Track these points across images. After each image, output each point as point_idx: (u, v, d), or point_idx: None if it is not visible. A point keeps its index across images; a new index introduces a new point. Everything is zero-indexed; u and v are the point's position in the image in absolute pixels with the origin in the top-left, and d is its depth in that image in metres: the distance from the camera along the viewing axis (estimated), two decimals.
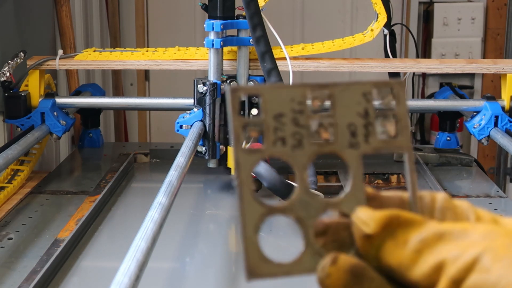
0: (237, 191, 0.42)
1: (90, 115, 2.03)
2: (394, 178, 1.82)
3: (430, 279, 0.40)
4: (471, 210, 0.45)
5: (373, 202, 0.45)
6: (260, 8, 1.62)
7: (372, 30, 1.81)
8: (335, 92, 0.43)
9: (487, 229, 0.41)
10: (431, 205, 0.45)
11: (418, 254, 0.41)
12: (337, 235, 0.44)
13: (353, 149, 0.44)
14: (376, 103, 0.44)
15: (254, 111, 1.73)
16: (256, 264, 0.41)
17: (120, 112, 3.11)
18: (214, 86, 1.65)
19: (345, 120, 0.43)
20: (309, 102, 0.43)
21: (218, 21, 1.66)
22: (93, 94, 2.04)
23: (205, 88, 1.65)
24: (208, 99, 1.65)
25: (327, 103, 0.44)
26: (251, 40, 1.67)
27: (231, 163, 1.67)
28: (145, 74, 3.42)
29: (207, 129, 1.66)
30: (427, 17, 3.45)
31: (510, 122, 1.79)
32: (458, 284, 0.39)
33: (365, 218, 0.42)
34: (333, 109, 0.44)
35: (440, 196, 0.45)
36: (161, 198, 1.11)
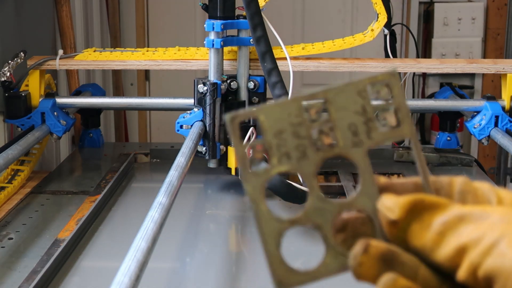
0: (253, 212, 0.43)
1: (91, 115, 2.02)
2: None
3: (453, 261, 0.41)
4: (492, 191, 0.45)
5: (388, 191, 0.45)
6: (261, 8, 1.61)
7: (372, 30, 1.81)
8: (329, 97, 0.44)
9: (505, 212, 0.41)
10: (449, 189, 0.45)
11: (441, 237, 0.41)
12: (356, 230, 0.44)
13: (357, 147, 0.44)
14: (373, 98, 0.44)
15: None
16: (283, 276, 0.43)
17: (120, 112, 3.11)
18: (215, 86, 1.65)
19: (345, 121, 0.44)
20: (305, 113, 0.44)
21: (218, 21, 1.66)
22: (93, 94, 2.04)
23: (205, 88, 1.65)
24: (208, 99, 1.65)
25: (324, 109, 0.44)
26: (251, 40, 1.67)
27: (231, 163, 1.67)
28: (146, 74, 3.42)
29: (208, 129, 1.65)
30: (427, 17, 3.45)
31: (511, 122, 1.78)
32: (476, 268, 0.40)
33: (390, 205, 0.43)
34: (330, 114, 0.44)
35: (460, 180, 0.45)
36: (161, 198, 1.11)
